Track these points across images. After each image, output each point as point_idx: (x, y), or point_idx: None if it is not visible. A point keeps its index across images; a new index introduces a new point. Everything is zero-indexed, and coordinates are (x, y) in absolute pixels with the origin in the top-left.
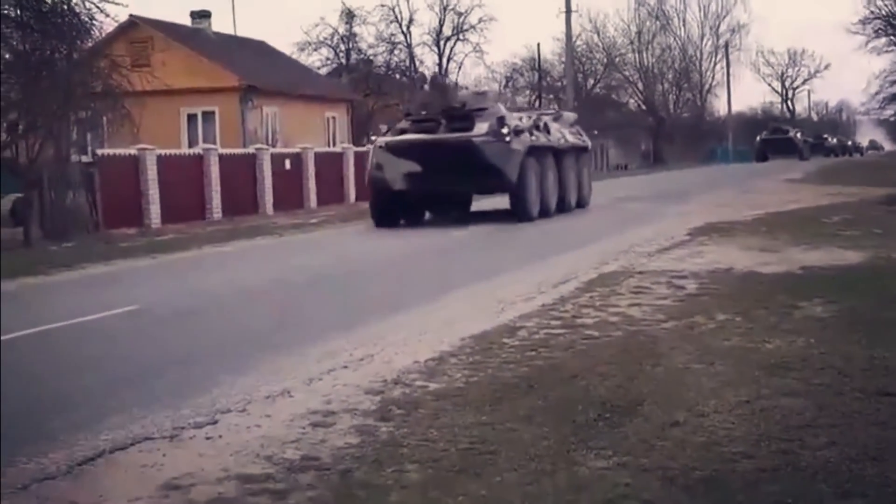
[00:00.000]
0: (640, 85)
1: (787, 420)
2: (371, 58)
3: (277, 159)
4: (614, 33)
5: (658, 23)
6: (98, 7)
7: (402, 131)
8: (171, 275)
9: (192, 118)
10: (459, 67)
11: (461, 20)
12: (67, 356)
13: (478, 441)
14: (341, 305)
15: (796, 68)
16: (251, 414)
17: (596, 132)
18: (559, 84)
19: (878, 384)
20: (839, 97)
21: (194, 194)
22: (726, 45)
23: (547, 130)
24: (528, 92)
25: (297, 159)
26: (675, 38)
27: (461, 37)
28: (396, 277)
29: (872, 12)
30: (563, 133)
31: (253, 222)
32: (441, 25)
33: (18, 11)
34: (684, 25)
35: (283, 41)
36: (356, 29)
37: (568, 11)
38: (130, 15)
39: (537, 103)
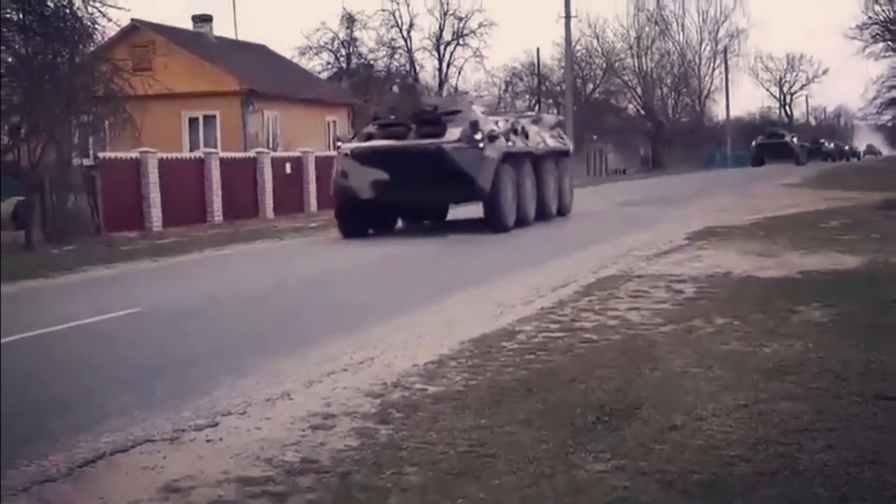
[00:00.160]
0: (639, 90)
1: (785, 424)
2: (371, 62)
3: (278, 163)
4: (613, 38)
5: (657, 28)
6: (100, 11)
7: (370, 137)
8: (172, 278)
9: (193, 122)
10: (459, 72)
11: (461, 25)
12: (68, 359)
13: (477, 444)
14: (334, 310)
15: (794, 73)
16: (251, 416)
17: (595, 137)
18: (558, 89)
19: (875, 388)
20: (837, 102)
21: (195, 198)
22: (725, 51)
23: (525, 135)
24: (527, 96)
25: (298, 163)
26: (674, 44)
27: (461, 42)
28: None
29: (870, 17)
30: (542, 137)
31: (253, 226)
32: (441, 30)
33: (21, 15)
34: (683, 31)
35: (284, 45)
36: (357, 33)
37: (567, 17)
38: (132, 19)
39: (537, 108)
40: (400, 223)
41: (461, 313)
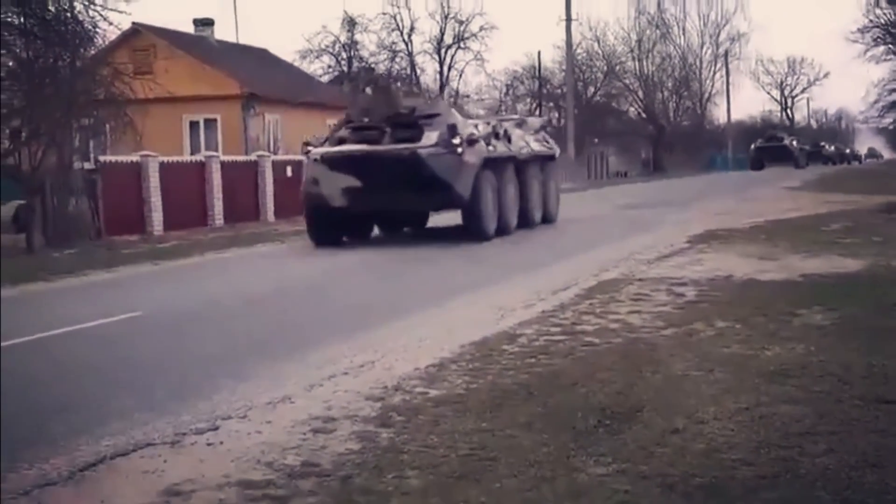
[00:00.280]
0: (640, 93)
1: (787, 427)
2: (372, 66)
3: (279, 166)
4: (614, 41)
5: (658, 31)
6: (101, 15)
7: (342, 141)
8: (172, 281)
9: (194, 125)
10: (460, 75)
11: (462, 28)
12: (69, 362)
13: (478, 447)
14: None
15: (795, 77)
16: (252, 420)
17: (596, 140)
18: (560, 92)
19: (877, 392)
20: (838, 105)
21: (196, 201)
22: (726, 54)
23: (507, 138)
24: (528, 100)
25: (299, 167)
26: (675, 47)
27: (462, 45)
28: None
29: (871, 21)
30: (526, 141)
31: (254, 229)
32: (442, 34)
33: (22, 19)
34: (684, 34)
35: (285, 49)
36: (358, 37)
37: (568, 20)
38: (133, 23)
39: (538, 111)
40: (377, 231)
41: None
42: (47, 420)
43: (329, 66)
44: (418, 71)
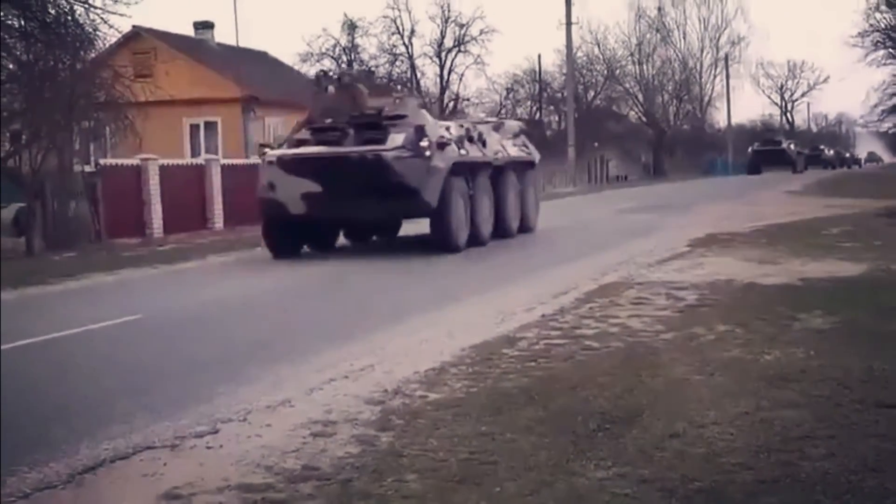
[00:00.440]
0: (640, 97)
1: (787, 431)
2: (373, 69)
3: None
4: (615, 45)
5: (658, 35)
6: (102, 18)
7: (301, 143)
8: (173, 284)
9: (194, 128)
10: (461, 79)
11: (462, 32)
12: (69, 365)
13: (478, 451)
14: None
15: (796, 80)
16: (252, 423)
17: (596, 144)
18: (560, 96)
19: (877, 396)
20: (838, 109)
21: (196, 204)
22: (726, 58)
23: (482, 142)
24: (528, 103)
25: None
26: (675, 51)
27: (462, 48)
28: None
29: (871, 25)
30: (503, 146)
31: (255, 232)
32: (442, 37)
33: (22, 22)
34: (684, 38)
35: (286, 52)
36: (358, 40)
37: (568, 24)
38: (134, 26)
39: (538, 115)
40: (344, 240)
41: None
42: (47, 423)
43: (329, 70)
44: (419, 74)
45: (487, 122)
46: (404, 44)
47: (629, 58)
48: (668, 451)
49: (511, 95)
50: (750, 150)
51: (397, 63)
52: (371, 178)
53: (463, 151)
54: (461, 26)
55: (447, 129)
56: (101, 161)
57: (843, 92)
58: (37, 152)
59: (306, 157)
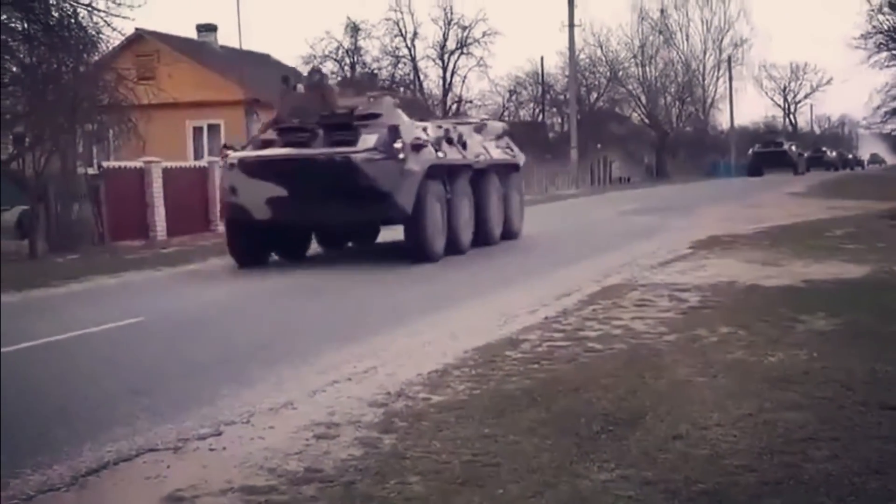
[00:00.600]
0: (643, 99)
1: (790, 433)
2: (376, 71)
3: None
4: (617, 47)
5: (661, 37)
6: (105, 21)
7: (267, 144)
8: (176, 287)
9: (197, 131)
10: (463, 81)
11: (465, 34)
12: (72, 368)
13: (480, 453)
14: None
15: (798, 82)
16: (255, 425)
17: (599, 145)
18: (562, 97)
19: (880, 397)
20: (841, 111)
21: (200, 207)
22: (729, 60)
23: (462, 144)
24: (531, 105)
25: None
26: (678, 53)
27: (465, 51)
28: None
29: (874, 27)
30: (485, 148)
31: None
32: (445, 39)
33: (25, 24)
34: (687, 40)
35: (289, 54)
36: (361, 43)
37: (571, 26)
38: (136, 28)
39: (541, 116)
40: (318, 247)
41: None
42: (50, 425)
43: (332, 72)
44: (421, 77)
45: (469, 123)
46: (407, 46)
47: (632, 60)
48: (672, 452)
49: (514, 97)
50: (750, 151)
51: (400, 65)
52: (340, 181)
53: (441, 153)
54: (464, 28)
55: (424, 129)
56: (105, 164)
57: (847, 94)
58: (40, 155)
59: (270, 159)
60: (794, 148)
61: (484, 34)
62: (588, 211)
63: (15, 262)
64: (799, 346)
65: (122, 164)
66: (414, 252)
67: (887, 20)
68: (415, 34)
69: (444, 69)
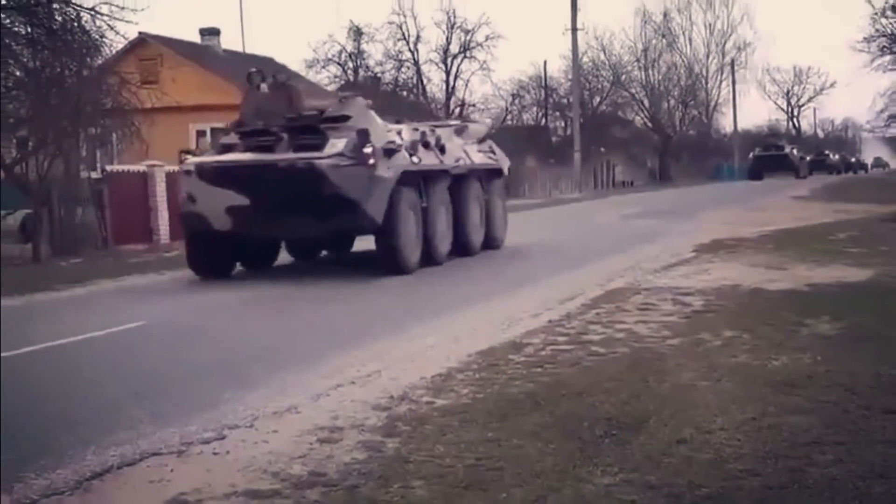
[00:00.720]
0: (646, 102)
1: (794, 437)
2: (379, 75)
3: None
4: (620, 51)
5: (664, 41)
6: (108, 24)
7: (228, 148)
8: (179, 291)
9: (201, 135)
10: (466, 85)
11: (468, 38)
12: (76, 372)
13: (484, 457)
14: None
15: (802, 86)
16: (258, 429)
17: (602, 149)
18: (566, 101)
19: (884, 402)
20: (845, 115)
21: None
22: (732, 63)
23: (440, 148)
24: (534, 109)
25: None
26: (681, 56)
27: (468, 54)
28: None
29: (877, 30)
30: (465, 152)
31: None
32: (448, 43)
33: (29, 28)
34: (690, 44)
35: (292, 58)
36: (364, 46)
37: (574, 29)
38: (140, 32)
39: (544, 120)
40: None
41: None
42: (53, 429)
43: (335, 76)
44: (424, 80)
45: (449, 126)
46: (410, 50)
47: (635, 63)
48: (675, 457)
49: (517, 101)
50: (751, 155)
51: (403, 69)
52: (304, 189)
53: (415, 158)
54: (467, 32)
55: (398, 133)
56: (108, 167)
57: (850, 97)
58: (43, 159)
59: (229, 165)
60: (795, 151)
61: (487, 38)
62: (591, 215)
63: (18, 266)
64: (803, 350)
65: (126, 167)
66: (386, 264)
67: (890, 24)
68: (418, 38)
69: (448, 73)
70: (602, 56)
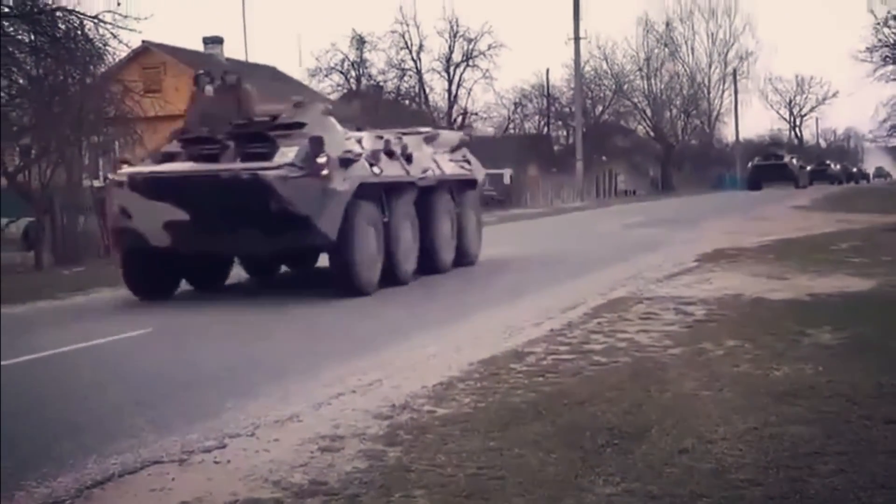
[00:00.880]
0: (648, 111)
1: (796, 447)
2: (381, 84)
3: None
4: (623, 60)
5: (666, 50)
6: (111, 33)
7: (169, 158)
8: (181, 297)
9: None
10: (469, 93)
11: (471, 47)
12: (78, 380)
13: (485, 466)
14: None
15: (804, 96)
16: (260, 438)
17: (605, 158)
18: (568, 110)
19: (886, 412)
20: (847, 124)
21: None
22: (734, 73)
23: (407, 158)
24: (537, 118)
25: None
26: (683, 66)
27: (471, 63)
28: None
29: (880, 40)
30: (436, 161)
31: None
32: (451, 52)
33: (32, 37)
34: (692, 53)
35: (295, 67)
36: (367, 55)
37: (577, 38)
38: (143, 41)
39: (546, 129)
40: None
41: None
42: (55, 438)
43: (338, 84)
44: (427, 89)
45: (419, 133)
46: (413, 59)
47: (637, 72)
48: (677, 466)
49: (519, 110)
50: (750, 164)
51: (406, 78)
52: (249, 203)
53: (377, 169)
54: (469, 41)
55: (359, 141)
56: (110, 176)
57: (852, 107)
58: (46, 167)
59: (166, 176)
60: (794, 161)
61: (489, 47)
62: (593, 224)
63: (21, 274)
64: (804, 360)
65: None
66: (340, 284)
67: (893, 33)
68: (420, 47)
69: (450, 82)
70: (604, 65)
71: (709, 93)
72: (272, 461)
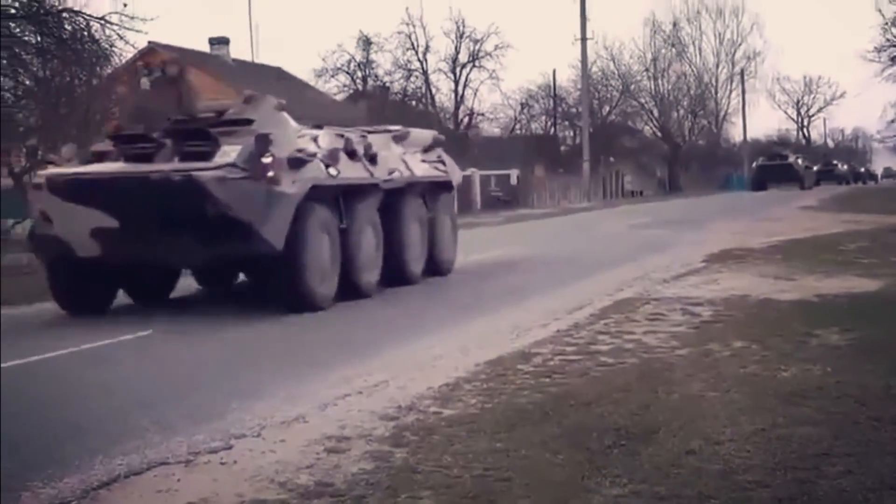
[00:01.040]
0: (655, 112)
1: (804, 448)
2: (388, 84)
3: None
4: (630, 60)
5: (673, 50)
6: (118, 34)
7: (99, 157)
8: (183, 299)
9: None
10: (475, 94)
11: (477, 47)
12: (82, 381)
13: (492, 467)
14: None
15: (812, 96)
16: (266, 439)
17: (612, 159)
18: (575, 110)
19: (894, 413)
20: (855, 124)
21: None
22: (742, 73)
23: (370, 158)
24: (543, 118)
25: None
26: (690, 66)
27: (477, 64)
28: None
29: (888, 40)
30: (405, 162)
31: None
32: (457, 53)
33: (39, 38)
34: (700, 53)
35: (301, 67)
36: (373, 56)
37: (583, 39)
38: (149, 42)
39: (553, 130)
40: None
41: None
42: (60, 439)
43: (344, 85)
44: (433, 90)
45: (387, 132)
46: (419, 59)
47: (644, 73)
48: (684, 468)
49: (526, 110)
50: (754, 164)
51: (412, 79)
52: (183, 208)
53: (333, 170)
54: (476, 42)
55: (314, 139)
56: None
57: (860, 107)
58: None
59: (88, 178)
60: (800, 161)
61: (496, 47)
62: (600, 224)
63: (27, 275)
64: (812, 361)
65: None
66: (287, 298)
67: None
68: (427, 47)
69: (456, 82)
70: (611, 65)
71: (716, 93)
72: (278, 462)
